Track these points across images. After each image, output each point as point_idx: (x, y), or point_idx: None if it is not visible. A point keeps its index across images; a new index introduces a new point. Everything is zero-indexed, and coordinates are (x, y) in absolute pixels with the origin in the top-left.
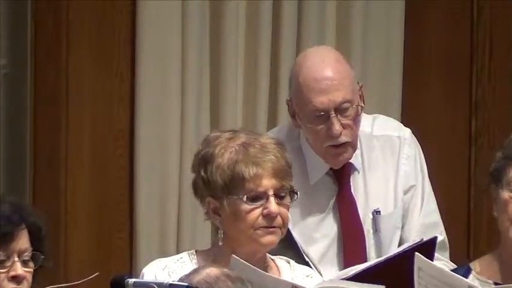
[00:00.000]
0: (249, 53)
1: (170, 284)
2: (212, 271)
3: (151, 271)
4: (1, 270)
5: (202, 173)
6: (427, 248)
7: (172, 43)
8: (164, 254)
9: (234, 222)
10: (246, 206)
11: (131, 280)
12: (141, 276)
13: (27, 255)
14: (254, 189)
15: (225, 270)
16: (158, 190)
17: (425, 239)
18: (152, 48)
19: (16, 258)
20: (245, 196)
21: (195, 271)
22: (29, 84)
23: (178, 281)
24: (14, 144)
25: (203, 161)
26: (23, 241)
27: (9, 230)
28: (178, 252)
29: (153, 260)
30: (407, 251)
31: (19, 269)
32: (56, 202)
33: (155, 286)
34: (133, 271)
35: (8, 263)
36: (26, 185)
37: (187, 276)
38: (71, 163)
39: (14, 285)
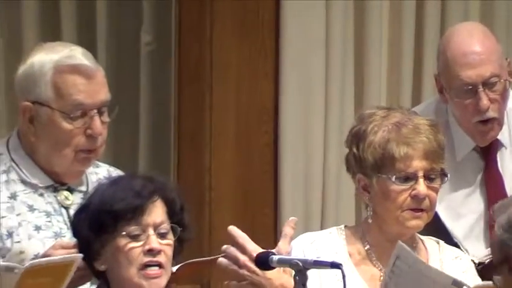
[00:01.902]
0: (393, 30)
1: (315, 261)
2: None
3: (299, 245)
4: (136, 244)
5: (354, 150)
6: None
7: (316, 19)
8: (308, 230)
9: (382, 201)
10: (395, 186)
11: (276, 257)
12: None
13: (164, 228)
14: (404, 170)
15: None
16: (303, 166)
17: None
18: (296, 24)
19: (151, 232)
20: (394, 176)
21: None
22: (173, 61)
23: None
24: (158, 122)
25: (356, 137)
26: (157, 214)
27: (139, 203)
28: (322, 229)
29: (297, 236)
30: None
31: (154, 242)
32: (200, 179)
33: (299, 263)
34: None
35: (143, 237)
36: (171, 163)
37: None
38: (215, 140)
39: (150, 258)
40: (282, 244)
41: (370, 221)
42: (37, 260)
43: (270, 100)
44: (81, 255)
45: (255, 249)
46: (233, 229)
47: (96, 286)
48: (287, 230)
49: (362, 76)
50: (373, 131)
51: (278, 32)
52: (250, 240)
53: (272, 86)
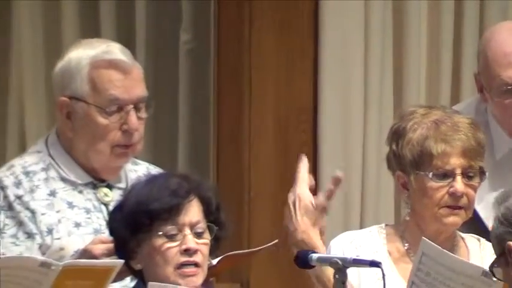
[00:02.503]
0: (431, 27)
1: (354, 259)
2: None
3: (339, 244)
4: (173, 244)
5: (394, 147)
6: None
7: (355, 18)
8: (348, 229)
9: (420, 198)
10: (433, 183)
11: (315, 255)
12: (328, 249)
13: (200, 228)
14: (441, 167)
15: None
16: (341, 165)
17: None
18: (335, 22)
19: (187, 231)
20: (431, 173)
21: None
22: (212, 60)
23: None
24: (198, 121)
25: (395, 134)
26: (193, 214)
27: (176, 203)
28: (361, 228)
29: (337, 235)
30: None
31: (190, 242)
32: (239, 178)
33: (339, 261)
34: None
35: (180, 237)
36: (210, 162)
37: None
38: (254, 139)
39: (187, 258)
40: (321, 198)
41: (407, 218)
42: (76, 260)
43: (309, 99)
44: (122, 261)
45: (302, 192)
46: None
47: (134, 284)
48: (330, 186)
49: (401, 75)
50: (413, 128)
51: (317, 31)
52: (304, 182)
53: (311, 85)
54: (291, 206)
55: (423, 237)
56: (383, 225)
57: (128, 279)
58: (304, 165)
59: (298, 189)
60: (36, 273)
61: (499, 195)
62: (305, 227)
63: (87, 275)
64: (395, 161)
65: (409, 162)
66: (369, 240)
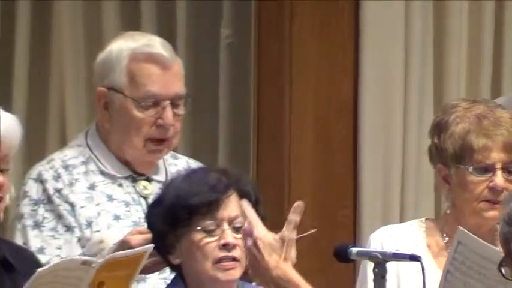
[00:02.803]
0: (472, 27)
1: (394, 253)
2: None
3: (378, 237)
4: (211, 239)
5: (436, 140)
6: None
7: (396, 14)
8: (387, 223)
9: (460, 192)
10: (473, 177)
11: (354, 249)
12: (367, 242)
13: (238, 222)
14: (482, 161)
15: None
16: (381, 159)
17: None
18: (376, 19)
19: (226, 226)
20: (471, 167)
21: None
22: (252, 56)
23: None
24: (238, 116)
25: (438, 127)
26: (232, 208)
27: (215, 198)
28: (401, 221)
29: (376, 229)
30: None
31: (229, 237)
32: (279, 172)
33: (378, 255)
34: (356, 240)
35: (218, 231)
36: (250, 156)
37: None
38: (295, 134)
39: (226, 253)
40: (286, 231)
41: (448, 211)
42: (112, 254)
43: (349, 94)
44: (152, 245)
45: (261, 234)
46: (246, 207)
47: (172, 279)
48: (292, 216)
49: (441, 71)
50: (455, 122)
51: (358, 27)
52: (259, 223)
53: (351, 81)
54: (254, 250)
55: (459, 227)
56: (423, 219)
57: (168, 271)
58: (249, 207)
59: (256, 232)
60: (78, 271)
61: (507, 196)
62: (276, 264)
63: (122, 265)
64: (437, 154)
65: (450, 156)
66: (409, 234)
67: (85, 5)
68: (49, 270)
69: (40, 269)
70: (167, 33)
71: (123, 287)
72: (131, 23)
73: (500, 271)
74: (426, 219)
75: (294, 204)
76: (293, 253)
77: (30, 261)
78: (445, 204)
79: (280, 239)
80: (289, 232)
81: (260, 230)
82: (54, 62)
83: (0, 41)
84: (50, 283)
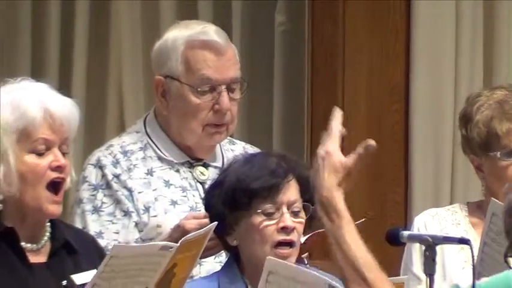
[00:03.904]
0: None
1: (444, 237)
2: None
3: (422, 218)
4: (270, 222)
5: (464, 132)
6: None
7: (447, 2)
8: (438, 206)
9: (492, 178)
10: (502, 162)
11: (406, 233)
12: (412, 224)
13: (296, 207)
14: (508, 145)
15: None
16: (432, 144)
17: None
18: (427, 5)
19: (285, 210)
20: (499, 153)
21: None
22: (306, 42)
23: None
24: (292, 101)
25: (464, 119)
26: (291, 193)
27: (275, 182)
28: (452, 204)
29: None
30: None
31: (288, 220)
32: None
33: (429, 238)
34: (408, 224)
35: (277, 215)
36: (304, 141)
37: None
38: (347, 119)
39: (284, 237)
40: (350, 161)
41: (483, 198)
42: (186, 237)
43: (401, 80)
44: (215, 223)
45: (332, 149)
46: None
47: (226, 261)
48: (360, 150)
49: (491, 55)
50: (479, 110)
51: (409, 13)
52: (336, 140)
53: (403, 66)
54: (320, 161)
55: (492, 198)
56: (466, 202)
57: (224, 255)
58: (336, 121)
59: (329, 146)
60: (156, 256)
61: (506, 187)
62: (330, 185)
63: (191, 245)
64: (467, 145)
65: (478, 145)
66: (452, 214)
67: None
68: (128, 253)
69: (117, 247)
70: (223, 21)
71: (191, 265)
72: (188, 13)
73: (506, 262)
74: (468, 202)
75: (368, 142)
76: (350, 184)
77: (91, 245)
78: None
79: (345, 165)
80: (351, 162)
81: (333, 145)
82: (112, 55)
83: (61, 35)
84: (128, 265)
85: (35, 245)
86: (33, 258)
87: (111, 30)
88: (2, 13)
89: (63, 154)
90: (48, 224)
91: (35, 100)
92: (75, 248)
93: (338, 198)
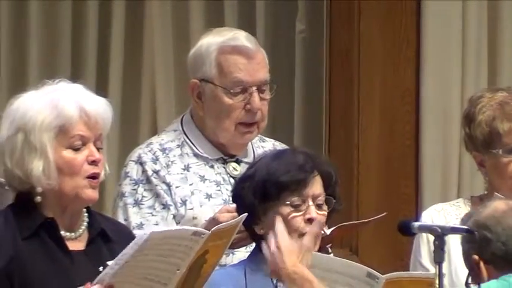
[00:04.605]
0: None
1: (452, 228)
2: (499, 205)
3: (429, 213)
4: (297, 214)
5: (467, 130)
6: None
7: (454, 9)
8: (446, 201)
9: (494, 174)
10: (503, 159)
11: (416, 224)
12: (420, 218)
13: (320, 200)
14: (509, 143)
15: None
16: (441, 142)
17: None
18: (436, 16)
19: (310, 203)
20: (501, 150)
21: (483, 206)
22: (324, 48)
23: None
24: (311, 102)
25: (467, 118)
26: (316, 187)
27: (303, 177)
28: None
29: (432, 205)
30: None
31: (313, 212)
32: (349, 154)
33: (438, 229)
34: (418, 216)
35: (303, 207)
36: (323, 139)
37: (476, 212)
38: (363, 119)
39: (309, 227)
40: (304, 240)
41: (485, 192)
42: (218, 226)
43: (412, 82)
44: (246, 214)
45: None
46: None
47: (252, 249)
48: (313, 229)
49: (495, 60)
50: (482, 111)
51: (419, 21)
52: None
53: (414, 70)
54: (275, 253)
55: (495, 193)
56: (469, 197)
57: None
58: (280, 224)
59: (278, 241)
60: (188, 241)
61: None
62: (292, 263)
63: (223, 234)
64: (470, 143)
65: (481, 143)
66: (456, 210)
67: (172, 3)
68: (162, 234)
69: (153, 231)
70: (247, 26)
71: (221, 252)
72: (215, 21)
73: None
74: (471, 196)
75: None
76: (308, 260)
77: (125, 234)
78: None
79: (299, 245)
80: (307, 241)
81: (284, 240)
82: (146, 56)
83: (98, 37)
84: (161, 245)
85: (73, 234)
86: (72, 246)
87: (144, 31)
88: (43, 17)
89: (98, 149)
90: (86, 214)
91: (72, 100)
92: (110, 237)
93: (305, 271)
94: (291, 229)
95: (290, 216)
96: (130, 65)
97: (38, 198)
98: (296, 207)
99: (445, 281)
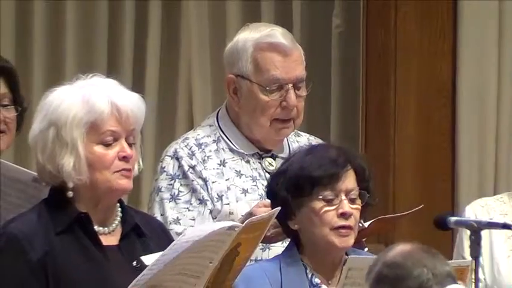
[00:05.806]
0: None
1: (488, 222)
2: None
3: (472, 208)
4: (330, 208)
5: None
6: None
7: (490, 6)
8: (482, 196)
9: None
10: None
11: (453, 218)
12: (463, 213)
13: (354, 194)
14: None
15: None
16: (477, 135)
17: None
18: (472, 10)
19: (343, 197)
20: None
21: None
22: (361, 43)
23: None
24: (347, 97)
25: None
26: (349, 181)
27: (335, 171)
28: (495, 193)
29: (472, 201)
30: None
31: (346, 207)
32: (385, 148)
33: (474, 224)
34: (454, 210)
35: (336, 201)
36: (359, 134)
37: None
38: (399, 113)
39: (343, 223)
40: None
41: None
42: (251, 219)
43: (448, 77)
44: (279, 208)
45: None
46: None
47: (287, 244)
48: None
49: None
50: None
51: (455, 16)
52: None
53: (450, 64)
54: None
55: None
56: None
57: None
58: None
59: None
60: (222, 235)
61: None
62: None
63: (256, 227)
64: None
65: None
66: (499, 205)
67: (211, 4)
68: (202, 243)
69: (195, 240)
70: (284, 20)
71: (254, 245)
72: (252, 20)
73: None
74: None
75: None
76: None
77: (159, 229)
78: None
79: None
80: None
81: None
82: (183, 53)
83: (134, 36)
84: (198, 247)
85: (106, 229)
86: (106, 241)
87: (181, 30)
88: (80, 15)
89: (130, 145)
90: (119, 209)
91: (103, 95)
92: (143, 231)
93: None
94: (323, 223)
95: (322, 211)
96: (166, 63)
97: (70, 193)
98: (329, 202)
99: (487, 277)
